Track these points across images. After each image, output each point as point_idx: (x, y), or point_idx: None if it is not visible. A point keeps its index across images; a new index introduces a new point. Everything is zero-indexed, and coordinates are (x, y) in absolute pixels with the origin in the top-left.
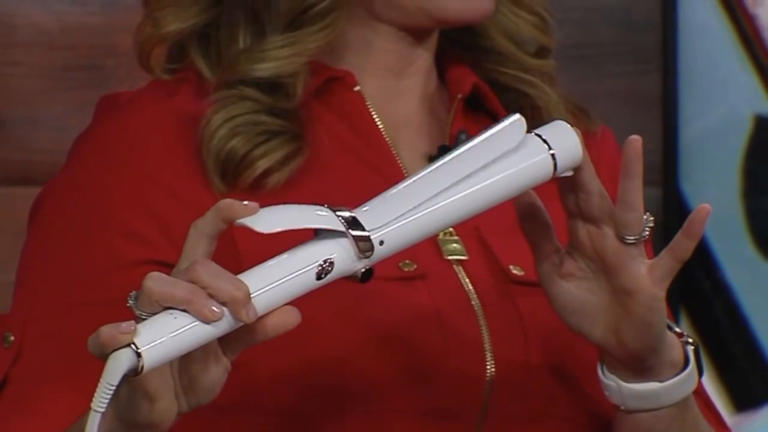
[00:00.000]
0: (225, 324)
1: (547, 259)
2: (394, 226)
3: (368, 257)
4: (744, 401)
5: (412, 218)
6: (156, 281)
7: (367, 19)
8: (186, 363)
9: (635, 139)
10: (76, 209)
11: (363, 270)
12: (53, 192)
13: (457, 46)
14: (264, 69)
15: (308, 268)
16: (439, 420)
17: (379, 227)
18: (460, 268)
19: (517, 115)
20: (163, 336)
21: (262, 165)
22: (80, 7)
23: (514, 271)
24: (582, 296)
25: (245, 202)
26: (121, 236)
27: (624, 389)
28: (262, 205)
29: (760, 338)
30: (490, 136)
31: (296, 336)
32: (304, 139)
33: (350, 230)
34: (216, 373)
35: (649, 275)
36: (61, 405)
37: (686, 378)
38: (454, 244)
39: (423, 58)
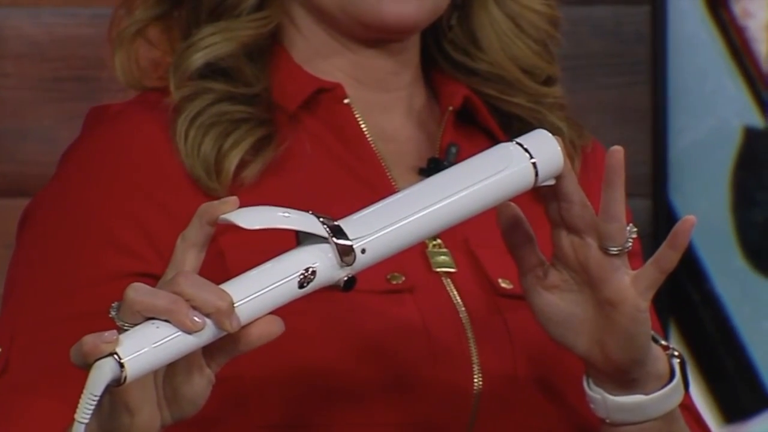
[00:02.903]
0: (208, 334)
1: (530, 271)
2: (377, 235)
3: (350, 265)
4: (733, 413)
5: (394, 227)
6: (138, 291)
7: (318, 24)
8: (170, 375)
9: (617, 150)
10: (64, 221)
11: (345, 278)
12: (41, 203)
13: (461, 71)
14: (197, 58)
15: (290, 277)
16: None
17: (362, 236)
18: (449, 280)
19: (510, 143)
20: (145, 346)
21: (235, 155)
22: (70, 18)
23: (503, 285)
24: (566, 308)
25: (224, 199)
26: (109, 248)
27: (609, 402)
28: (248, 199)
29: (750, 350)
30: (481, 155)
31: (283, 349)
32: (273, 126)
33: (333, 237)
34: (200, 385)
35: (632, 286)
36: (48, 417)
37: (672, 391)
38: (443, 257)
39: (403, 73)
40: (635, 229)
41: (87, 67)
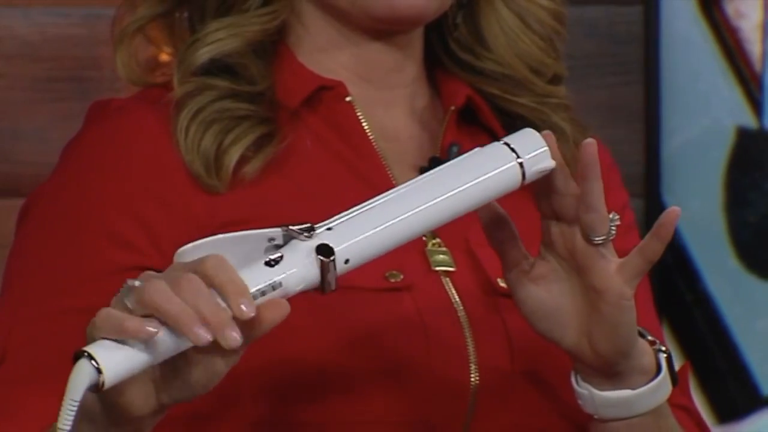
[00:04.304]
0: (173, 343)
1: (516, 266)
2: (343, 220)
3: (310, 237)
4: (726, 413)
5: (371, 224)
6: (156, 288)
7: (324, 18)
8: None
9: (590, 143)
10: (64, 215)
11: (317, 245)
12: (41, 196)
13: (466, 70)
14: (203, 53)
15: (258, 259)
16: (422, 431)
17: (326, 222)
18: (448, 279)
19: (497, 143)
20: (124, 353)
21: (235, 151)
22: (63, 18)
23: (502, 284)
24: (552, 300)
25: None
26: (109, 242)
27: (596, 397)
28: (248, 195)
29: (743, 350)
30: (468, 156)
31: (278, 345)
32: (275, 123)
33: (289, 226)
34: (210, 370)
35: (618, 274)
36: (43, 410)
37: (658, 386)
38: (442, 255)
39: (406, 69)
40: (617, 217)
41: (80, 67)
